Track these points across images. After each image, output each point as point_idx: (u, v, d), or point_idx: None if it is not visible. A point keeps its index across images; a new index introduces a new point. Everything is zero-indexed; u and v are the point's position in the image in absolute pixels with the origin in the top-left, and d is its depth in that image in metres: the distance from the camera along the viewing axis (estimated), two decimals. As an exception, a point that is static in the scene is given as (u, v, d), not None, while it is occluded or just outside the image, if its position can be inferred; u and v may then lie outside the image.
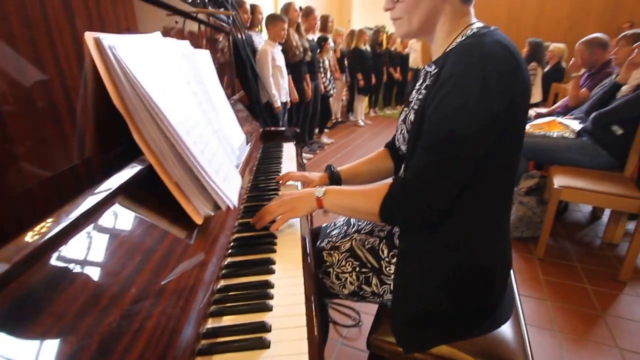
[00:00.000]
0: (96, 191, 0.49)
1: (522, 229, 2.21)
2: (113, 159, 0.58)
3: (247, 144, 1.28)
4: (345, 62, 5.23)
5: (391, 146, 1.09)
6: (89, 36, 0.50)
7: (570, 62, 2.79)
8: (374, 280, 0.88)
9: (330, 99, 4.87)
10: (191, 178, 0.62)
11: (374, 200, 0.79)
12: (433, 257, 0.80)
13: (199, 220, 0.62)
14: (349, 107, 6.05)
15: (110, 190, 0.51)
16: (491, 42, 0.68)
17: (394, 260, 0.86)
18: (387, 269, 0.87)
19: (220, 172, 0.70)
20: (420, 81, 0.86)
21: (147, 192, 0.59)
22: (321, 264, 0.94)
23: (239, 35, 1.59)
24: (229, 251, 0.75)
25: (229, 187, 0.72)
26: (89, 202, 0.47)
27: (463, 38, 0.75)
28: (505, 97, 0.67)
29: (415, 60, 6.90)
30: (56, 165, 0.47)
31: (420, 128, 0.75)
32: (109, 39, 0.53)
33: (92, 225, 0.46)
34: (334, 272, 0.92)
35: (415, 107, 0.81)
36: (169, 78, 0.65)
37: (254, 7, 3.43)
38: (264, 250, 0.76)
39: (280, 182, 1.11)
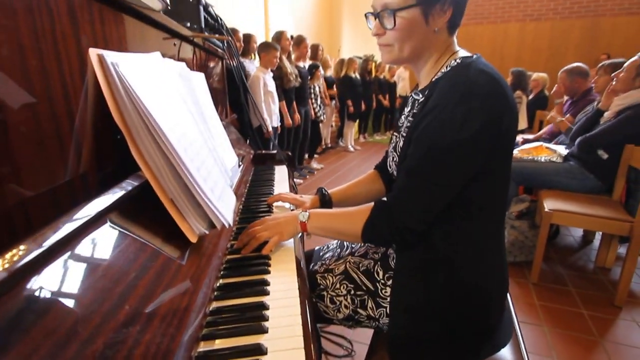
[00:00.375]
0: (88, 208, 0.48)
1: (515, 254, 2.21)
2: (109, 175, 0.56)
3: (240, 166, 1.28)
4: (335, 89, 5.35)
5: (381, 168, 1.10)
6: (92, 52, 0.51)
7: (553, 89, 2.91)
8: (370, 304, 0.86)
9: (320, 124, 4.94)
10: (187, 195, 0.61)
11: (356, 223, 0.80)
12: (428, 277, 0.79)
13: (193, 239, 0.60)
14: (339, 133, 6.13)
15: (103, 208, 0.49)
16: (475, 72, 0.71)
17: (390, 282, 0.84)
18: (383, 291, 0.85)
19: (216, 190, 0.69)
20: (409, 107, 0.87)
21: (140, 210, 0.58)
22: (315, 287, 0.92)
23: (233, 62, 1.62)
24: (222, 272, 0.73)
25: (224, 205, 0.71)
26: (78, 220, 0.45)
27: (448, 69, 0.77)
28: (488, 124, 0.69)
29: (404, 87, 7.12)
30: (52, 179, 0.46)
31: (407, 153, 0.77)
32: (112, 56, 0.53)
33: (82, 244, 0.44)
34: (328, 296, 0.90)
35: (404, 133, 0.82)
36: (168, 96, 0.66)
37: (249, 37, 3.54)
38: (257, 272, 0.74)
39: (272, 203, 1.10)
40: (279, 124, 3.59)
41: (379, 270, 0.87)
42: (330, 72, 5.40)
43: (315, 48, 4.76)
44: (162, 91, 0.63)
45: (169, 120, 0.59)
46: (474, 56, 0.77)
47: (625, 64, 2.06)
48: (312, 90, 4.49)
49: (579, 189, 2.12)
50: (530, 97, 4.36)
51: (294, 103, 3.92)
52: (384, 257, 0.89)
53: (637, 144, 1.90)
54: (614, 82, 2.13)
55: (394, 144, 0.89)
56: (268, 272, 0.74)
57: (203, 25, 1.19)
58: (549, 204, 1.97)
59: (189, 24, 1.13)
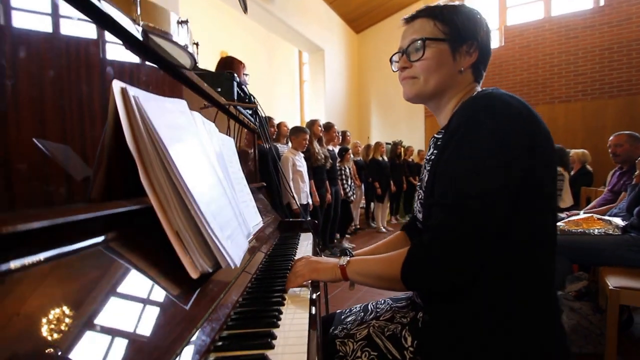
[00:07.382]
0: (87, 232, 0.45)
1: (580, 343, 1.87)
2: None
3: (264, 228, 1.25)
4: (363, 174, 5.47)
5: (408, 228, 1.05)
6: (116, 85, 0.54)
7: None
8: (397, 375, 0.72)
9: (351, 205, 4.95)
10: (193, 229, 0.57)
11: (395, 266, 0.71)
12: (467, 341, 0.67)
13: (194, 274, 0.55)
14: (367, 215, 6.08)
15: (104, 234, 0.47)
16: (497, 92, 0.70)
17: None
18: (412, 360, 0.71)
19: (225, 230, 0.66)
20: (431, 150, 0.84)
21: (143, 243, 0.55)
22: (333, 355, 0.79)
23: (266, 145, 1.72)
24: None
25: (233, 246, 0.66)
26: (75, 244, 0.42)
27: (466, 99, 0.75)
28: (519, 137, 0.64)
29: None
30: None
31: (433, 187, 0.72)
32: (134, 91, 0.56)
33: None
34: (349, 365, 0.77)
35: (429, 168, 0.79)
36: (187, 139, 0.67)
37: (280, 124, 3.88)
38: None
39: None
40: (309, 201, 3.64)
41: (406, 335, 0.75)
42: (359, 157, 5.60)
43: (343, 134, 5.06)
44: (180, 131, 0.65)
45: (182, 156, 0.60)
46: (492, 88, 0.75)
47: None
48: (342, 172, 4.65)
49: (647, 265, 1.84)
50: (572, 173, 4.20)
51: (326, 182, 4.02)
52: (413, 322, 0.77)
53: None
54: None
55: (417, 193, 0.85)
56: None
57: (235, 98, 1.29)
58: (614, 281, 1.70)
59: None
